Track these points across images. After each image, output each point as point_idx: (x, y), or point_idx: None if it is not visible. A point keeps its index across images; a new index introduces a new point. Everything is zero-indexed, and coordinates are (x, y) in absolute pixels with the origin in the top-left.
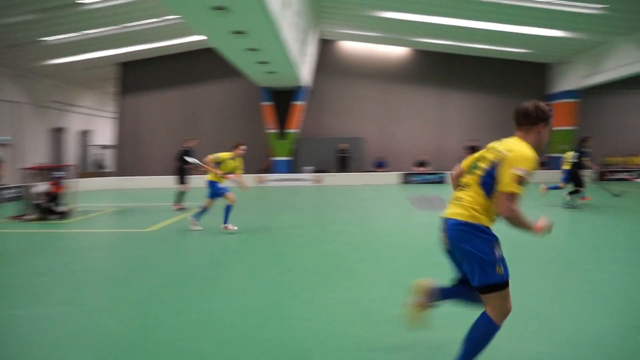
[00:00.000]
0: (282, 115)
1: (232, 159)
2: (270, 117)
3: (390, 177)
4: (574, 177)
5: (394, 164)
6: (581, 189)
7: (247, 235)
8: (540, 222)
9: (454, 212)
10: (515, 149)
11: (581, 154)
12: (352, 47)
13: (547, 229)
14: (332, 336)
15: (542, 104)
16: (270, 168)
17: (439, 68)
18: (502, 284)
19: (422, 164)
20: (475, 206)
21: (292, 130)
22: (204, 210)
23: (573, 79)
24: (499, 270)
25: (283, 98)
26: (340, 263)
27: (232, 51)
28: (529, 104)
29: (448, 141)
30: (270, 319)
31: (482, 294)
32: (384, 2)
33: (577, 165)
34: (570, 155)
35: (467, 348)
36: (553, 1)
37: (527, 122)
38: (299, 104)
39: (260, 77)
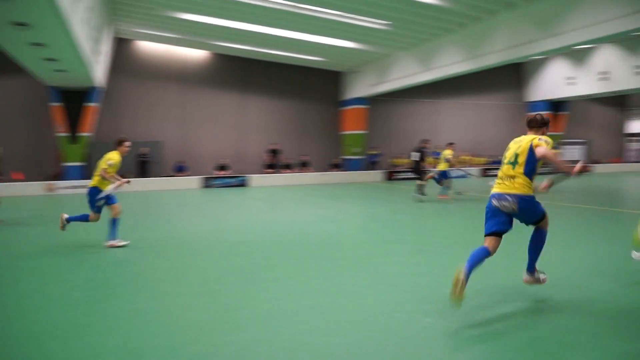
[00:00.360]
0: (74, 118)
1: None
2: (60, 119)
3: (192, 182)
4: (417, 172)
5: (195, 167)
6: (423, 182)
7: (33, 248)
8: (577, 166)
9: (510, 189)
10: (541, 137)
11: (422, 153)
12: (150, 47)
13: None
14: (134, 350)
15: (546, 114)
16: (61, 174)
17: (238, 72)
18: (545, 214)
19: (223, 167)
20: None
21: (86, 133)
22: (84, 218)
23: (363, 87)
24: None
25: (75, 99)
26: (139, 272)
27: (13, 45)
28: (542, 115)
29: (249, 145)
30: (65, 339)
31: (539, 222)
32: (180, 3)
33: (419, 163)
34: (445, 156)
35: (537, 249)
36: (345, 14)
37: (538, 125)
38: (92, 105)
39: (49, 75)
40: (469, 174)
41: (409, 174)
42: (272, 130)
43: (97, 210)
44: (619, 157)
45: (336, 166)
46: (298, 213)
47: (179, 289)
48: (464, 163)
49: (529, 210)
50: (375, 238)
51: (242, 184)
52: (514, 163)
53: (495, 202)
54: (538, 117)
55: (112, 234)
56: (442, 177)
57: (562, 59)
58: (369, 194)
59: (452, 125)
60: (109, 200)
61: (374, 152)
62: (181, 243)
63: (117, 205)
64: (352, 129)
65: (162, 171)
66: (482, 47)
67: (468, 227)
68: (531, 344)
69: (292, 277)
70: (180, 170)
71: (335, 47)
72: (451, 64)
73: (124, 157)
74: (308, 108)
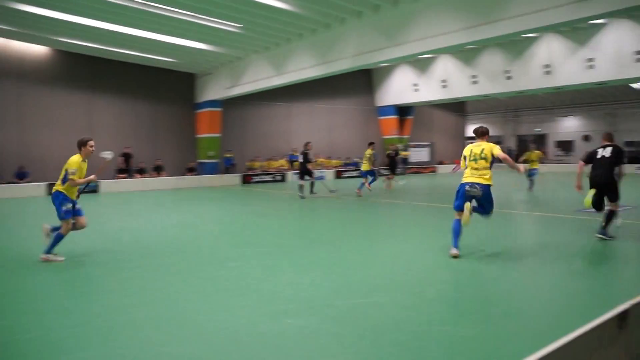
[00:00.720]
0: None
1: (84, 161)
2: None
3: (36, 189)
4: (303, 172)
5: (40, 173)
6: (310, 180)
7: None
8: (522, 166)
9: (478, 179)
10: (493, 145)
11: (306, 155)
12: None
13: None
14: None
15: (486, 127)
16: None
17: (85, 72)
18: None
19: None
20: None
21: None
22: (60, 237)
23: (217, 90)
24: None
25: None
26: None
27: None
28: (483, 127)
29: (98, 149)
30: None
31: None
32: None
33: (305, 163)
34: (368, 154)
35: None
36: (196, 15)
37: (483, 135)
38: None
39: None
40: (324, 176)
41: (265, 177)
42: (124, 133)
43: (66, 216)
44: (459, 159)
45: (192, 170)
46: (152, 219)
47: (3, 307)
48: (319, 165)
49: (485, 196)
50: (231, 242)
51: (92, 190)
52: (479, 160)
53: (468, 188)
54: (480, 129)
55: (51, 247)
56: (365, 175)
57: (408, 66)
58: (225, 197)
59: (307, 129)
60: (77, 211)
61: (229, 156)
62: (16, 257)
63: (69, 223)
64: (207, 132)
65: (1, 178)
66: (333, 53)
67: (325, 227)
68: (378, 334)
69: (145, 288)
70: (21, 176)
71: (188, 48)
72: (303, 68)
73: (87, 159)
74: (161, 110)
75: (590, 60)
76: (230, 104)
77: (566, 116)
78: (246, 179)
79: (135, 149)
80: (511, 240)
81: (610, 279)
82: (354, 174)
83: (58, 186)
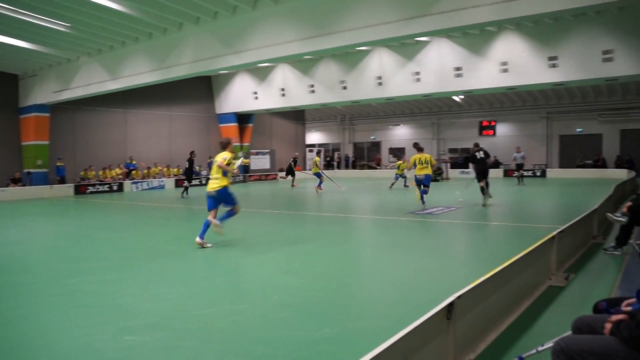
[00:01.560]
0: None
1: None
2: None
3: None
4: (187, 176)
5: None
6: (187, 184)
7: None
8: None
9: (426, 172)
10: (429, 156)
11: (191, 162)
12: None
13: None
14: None
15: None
16: None
17: None
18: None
19: None
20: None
21: None
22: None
23: (45, 93)
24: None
25: None
26: None
27: None
28: (420, 145)
29: None
30: None
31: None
32: None
33: (190, 169)
34: (317, 160)
35: (423, 195)
36: (16, 9)
37: (421, 149)
38: None
39: None
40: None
41: (101, 187)
42: None
43: (235, 202)
44: (299, 166)
45: (17, 181)
46: None
47: None
48: (157, 174)
49: (428, 180)
50: (66, 257)
51: None
52: (425, 164)
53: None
54: (419, 145)
55: (226, 216)
56: (317, 175)
57: (248, 74)
58: (56, 210)
59: (145, 136)
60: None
61: (60, 165)
62: None
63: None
64: (34, 140)
65: None
66: (170, 59)
67: (167, 237)
68: (225, 344)
69: None
70: None
71: (6, 46)
72: (140, 73)
73: None
74: None
75: (417, 73)
76: (60, 109)
77: (398, 125)
78: (80, 190)
79: None
80: (359, 241)
81: (446, 271)
82: (195, 182)
83: (222, 181)
